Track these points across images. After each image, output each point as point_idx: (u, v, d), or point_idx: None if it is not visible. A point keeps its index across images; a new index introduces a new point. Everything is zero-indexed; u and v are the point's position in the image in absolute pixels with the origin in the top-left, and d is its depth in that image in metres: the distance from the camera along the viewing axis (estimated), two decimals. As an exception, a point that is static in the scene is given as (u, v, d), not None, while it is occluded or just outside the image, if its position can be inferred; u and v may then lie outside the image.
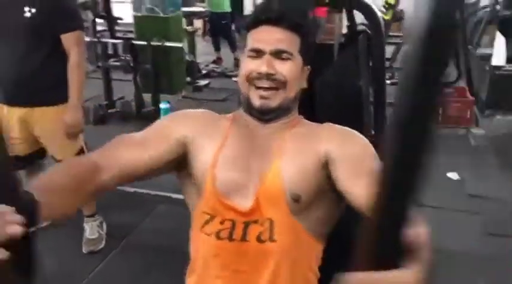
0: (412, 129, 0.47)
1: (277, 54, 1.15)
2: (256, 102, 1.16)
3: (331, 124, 1.21)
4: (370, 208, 0.51)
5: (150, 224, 3.08)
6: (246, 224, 1.11)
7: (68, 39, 2.44)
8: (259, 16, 1.19)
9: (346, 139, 1.15)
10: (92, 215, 2.86)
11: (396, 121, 0.48)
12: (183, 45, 5.60)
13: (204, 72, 6.85)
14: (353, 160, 1.07)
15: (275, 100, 1.15)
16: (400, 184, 0.48)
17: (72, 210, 1.02)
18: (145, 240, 2.91)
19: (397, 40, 7.04)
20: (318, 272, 1.21)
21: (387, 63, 5.99)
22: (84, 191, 1.02)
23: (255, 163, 1.14)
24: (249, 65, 1.16)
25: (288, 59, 1.15)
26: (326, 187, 1.13)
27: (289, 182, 1.10)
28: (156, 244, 2.85)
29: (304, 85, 1.23)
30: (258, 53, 1.15)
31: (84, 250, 2.76)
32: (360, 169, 1.02)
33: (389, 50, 6.40)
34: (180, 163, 1.19)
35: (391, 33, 7.27)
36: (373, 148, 1.11)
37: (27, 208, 0.78)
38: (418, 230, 0.50)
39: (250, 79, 1.16)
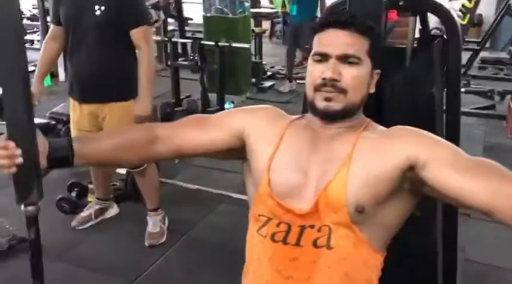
0: None
1: (344, 59, 1.11)
2: (320, 104, 1.13)
3: (404, 126, 1.15)
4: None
5: (210, 222, 3.13)
6: (302, 229, 1.09)
7: (136, 35, 2.53)
8: (328, 18, 1.16)
9: (431, 139, 1.10)
10: (155, 210, 2.95)
11: None
12: (250, 46, 5.65)
13: (269, 73, 6.87)
14: (451, 159, 1.03)
15: (339, 102, 1.12)
16: None
17: (112, 162, 1.25)
18: (204, 237, 2.96)
19: (474, 46, 6.73)
20: None
21: (462, 70, 5.73)
22: (134, 153, 1.19)
23: (318, 166, 1.12)
24: (315, 71, 1.14)
25: (355, 63, 1.12)
26: (398, 192, 1.10)
27: (355, 193, 1.07)
28: (215, 241, 2.89)
29: (373, 89, 1.19)
30: (323, 57, 1.13)
31: (146, 243, 2.85)
32: (464, 165, 1.01)
33: (465, 57, 6.13)
34: (239, 154, 1.23)
35: (467, 39, 6.96)
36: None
37: (60, 148, 1.08)
38: None
39: (316, 86, 1.13)
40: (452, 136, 1.42)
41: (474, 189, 0.96)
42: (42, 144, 1.06)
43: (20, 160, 1.00)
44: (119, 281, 2.50)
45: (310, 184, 1.11)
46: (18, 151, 1.00)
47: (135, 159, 1.24)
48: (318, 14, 5.83)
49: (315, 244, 1.09)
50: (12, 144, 1.00)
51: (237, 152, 1.23)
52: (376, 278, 1.16)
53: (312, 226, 1.09)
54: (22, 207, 1.06)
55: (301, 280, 1.10)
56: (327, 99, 1.12)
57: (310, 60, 1.16)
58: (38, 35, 8.90)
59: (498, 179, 0.96)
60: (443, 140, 1.14)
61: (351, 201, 1.06)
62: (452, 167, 1.01)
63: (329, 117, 1.15)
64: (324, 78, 1.11)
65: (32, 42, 9.17)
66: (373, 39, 1.15)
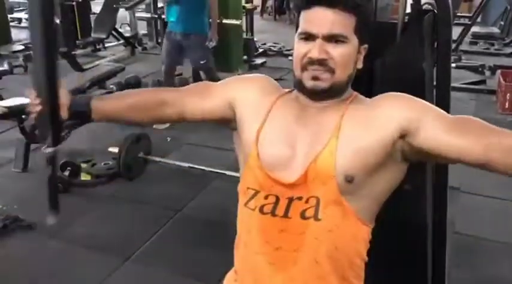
0: None
1: (330, 38, 1.11)
2: (308, 82, 1.13)
3: (388, 94, 1.17)
4: None
5: (203, 200, 3.15)
6: (290, 201, 1.11)
7: None
8: None
9: (418, 103, 1.13)
10: None
11: None
12: (241, 22, 5.60)
13: (260, 50, 6.83)
14: (440, 120, 1.07)
15: (327, 81, 1.13)
16: None
17: (126, 120, 1.32)
18: (197, 214, 2.98)
19: (466, 21, 6.71)
20: (366, 257, 1.19)
21: (453, 45, 5.73)
22: (145, 114, 1.29)
23: (306, 139, 1.13)
24: (301, 49, 1.13)
25: (342, 41, 1.12)
26: (388, 162, 1.11)
27: (344, 162, 1.08)
28: (208, 218, 2.91)
29: (360, 65, 1.19)
30: (310, 36, 1.12)
31: None
32: (453, 124, 1.06)
33: (456, 31, 6.12)
34: (233, 124, 1.25)
35: (458, 14, 6.93)
36: None
37: (80, 104, 1.24)
38: None
39: (303, 64, 1.14)
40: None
41: (469, 145, 1.02)
42: (65, 97, 1.21)
43: (38, 108, 1.17)
44: (114, 259, 2.53)
45: (298, 156, 1.12)
46: (37, 101, 1.17)
47: (145, 119, 1.32)
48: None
49: (302, 215, 1.10)
50: (33, 94, 1.18)
51: (231, 122, 1.26)
52: (364, 250, 1.18)
53: (299, 198, 1.10)
54: (42, 149, 1.28)
55: (290, 251, 1.12)
56: (315, 78, 1.12)
57: (296, 38, 1.15)
58: (25, 13, 8.75)
59: (487, 132, 1.03)
60: (427, 102, 1.16)
61: (340, 171, 1.08)
62: (444, 127, 1.06)
63: (317, 95, 1.15)
64: (310, 58, 1.11)
65: (19, 20, 9.02)
66: (360, 16, 1.14)
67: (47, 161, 1.30)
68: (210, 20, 4.34)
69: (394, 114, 1.10)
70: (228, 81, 1.32)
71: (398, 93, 1.16)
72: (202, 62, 4.36)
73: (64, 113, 1.21)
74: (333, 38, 1.10)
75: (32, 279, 2.40)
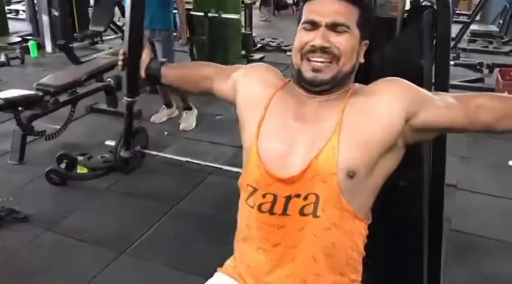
0: None
1: (333, 27, 1.11)
2: (308, 74, 1.13)
3: (384, 82, 1.18)
4: None
5: (199, 194, 3.14)
6: (288, 199, 1.11)
7: None
8: None
9: (413, 85, 1.16)
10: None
11: None
12: (239, 17, 5.57)
13: (259, 45, 6.81)
14: (441, 98, 1.13)
15: (328, 73, 1.12)
16: None
17: (182, 88, 1.53)
18: (194, 208, 2.98)
19: (465, 19, 6.70)
20: (363, 251, 1.19)
21: (452, 43, 5.72)
22: (195, 86, 1.46)
23: (306, 135, 1.12)
24: (303, 37, 1.14)
25: (344, 31, 1.12)
26: (389, 150, 1.12)
27: (347, 158, 1.08)
28: (205, 212, 2.91)
29: (362, 60, 1.19)
30: (313, 25, 1.12)
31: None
32: (454, 98, 1.12)
33: (455, 29, 6.11)
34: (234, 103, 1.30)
35: (457, 11, 6.92)
36: None
37: (154, 68, 1.51)
38: None
39: (303, 52, 1.13)
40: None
41: (477, 115, 1.09)
42: (145, 59, 1.50)
43: (122, 63, 1.55)
44: (109, 252, 2.52)
45: (298, 153, 1.11)
46: (122, 58, 1.55)
47: (194, 90, 1.49)
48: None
49: (301, 212, 1.10)
50: (121, 53, 1.55)
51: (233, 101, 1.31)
52: (361, 245, 1.18)
53: (298, 195, 1.10)
54: (124, 98, 1.71)
55: (289, 247, 1.12)
56: (315, 70, 1.12)
57: (299, 28, 1.16)
58: (22, 4, 8.71)
59: (486, 99, 1.12)
60: (437, 93, 1.22)
61: (342, 167, 1.08)
62: (438, 102, 1.12)
63: (316, 87, 1.14)
64: (313, 45, 1.11)
65: (17, 12, 8.97)
66: (363, 10, 1.15)
67: (126, 108, 1.77)
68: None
69: (396, 101, 1.11)
70: (236, 69, 1.34)
71: (392, 79, 1.17)
72: (163, 60, 4.14)
73: (142, 72, 1.49)
74: (336, 27, 1.11)
75: (27, 271, 2.40)
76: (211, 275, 1.28)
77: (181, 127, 4.14)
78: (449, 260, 2.31)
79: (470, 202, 3.03)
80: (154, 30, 4.02)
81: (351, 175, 1.08)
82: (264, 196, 1.13)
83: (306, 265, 1.12)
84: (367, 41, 1.19)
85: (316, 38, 1.11)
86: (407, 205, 1.48)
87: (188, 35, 5.04)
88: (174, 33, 4.29)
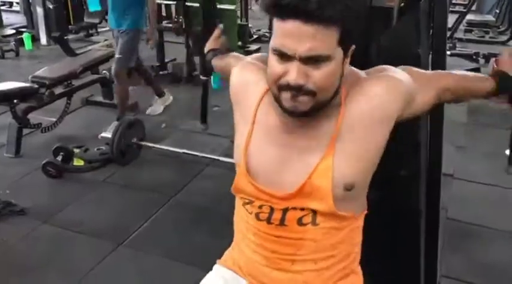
0: None
1: (310, 60, 0.94)
2: (287, 103, 0.99)
3: (382, 80, 1.06)
4: None
5: (196, 185, 3.15)
6: (285, 210, 1.08)
7: None
8: (285, 4, 0.91)
9: (403, 83, 1.08)
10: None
11: None
12: (236, 8, 5.54)
13: (255, 36, 6.78)
14: (416, 86, 1.12)
15: (307, 104, 0.98)
16: None
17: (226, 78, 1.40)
18: (191, 200, 2.98)
19: (461, 9, 6.69)
20: (360, 239, 1.19)
21: (448, 33, 5.71)
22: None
23: (298, 150, 1.05)
24: (276, 69, 0.97)
25: (323, 61, 0.94)
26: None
27: (344, 172, 1.03)
28: (202, 204, 2.91)
29: (347, 69, 1.04)
30: (286, 57, 0.95)
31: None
32: (425, 83, 1.15)
33: (451, 19, 6.10)
34: None
35: (454, 1, 6.91)
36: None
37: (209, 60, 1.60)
38: None
39: (279, 85, 0.99)
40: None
41: (444, 96, 1.18)
42: (211, 44, 1.68)
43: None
44: (106, 244, 2.53)
45: (291, 170, 1.06)
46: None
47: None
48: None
49: (299, 222, 1.08)
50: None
51: None
52: (359, 237, 1.19)
53: (294, 208, 1.08)
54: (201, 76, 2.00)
55: (287, 254, 1.11)
56: (294, 100, 0.98)
57: (270, 50, 0.99)
58: (16, -4, 8.63)
59: (453, 80, 1.24)
60: (404, 72, 1.11)
61: (339, 183, 1.03)
62: (426, 88, 1.14)
63: (297, 116, 1.03)
64: (287, 81, 0.96)
65: (10, 4, 8.89)
66: (346, 24, 0.94)
67: (202, 86, 2.21)
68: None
69: (393, 111, 1.05)
70: (235, 65, 1.30)
71: (388, 79, 1.07)
72: (118, 56, 3.88)
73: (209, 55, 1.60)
74: (312, 60, 0.94)
75: (25, 264, 2.40)
76: (210, 266, 1.28)
77: (147, 111, 4.37)
78: (446, 248, 2.32)
79: (467, 191, 3.04)
80: (123, 31, 3.82)
81: (348, 188, 1.04)
82: (260, 207, 1.11)
83: (306, 268, 1.12)
84: (353, 47, 1.02)
85: (291, 73, 0.95)
86: (404, 194, 1.49)
87: (184, 27, 5.02)
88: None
